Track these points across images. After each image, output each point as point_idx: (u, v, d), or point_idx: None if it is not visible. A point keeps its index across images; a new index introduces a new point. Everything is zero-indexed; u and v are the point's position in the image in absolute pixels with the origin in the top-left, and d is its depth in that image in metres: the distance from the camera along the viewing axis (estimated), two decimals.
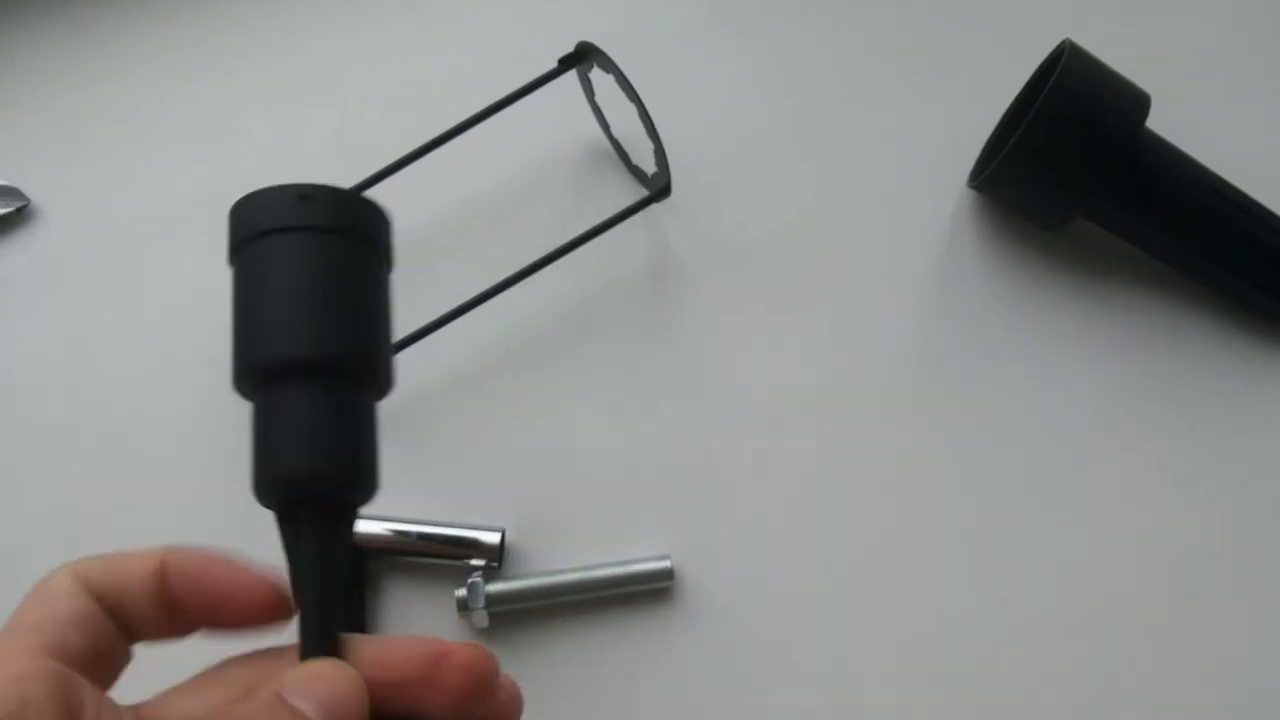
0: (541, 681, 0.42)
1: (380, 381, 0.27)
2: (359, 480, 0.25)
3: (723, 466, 0.45)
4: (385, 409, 0.40)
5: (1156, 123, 0.46)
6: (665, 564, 0.43)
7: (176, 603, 0.25)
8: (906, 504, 0.45)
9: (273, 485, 0.25)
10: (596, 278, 0.48)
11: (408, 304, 0.45)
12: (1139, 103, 0.45)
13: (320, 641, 0.25)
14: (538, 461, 0.45)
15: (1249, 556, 0.45)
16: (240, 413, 0.46)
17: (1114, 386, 0.47)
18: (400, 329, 0.43)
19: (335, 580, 0.25)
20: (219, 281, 0.46)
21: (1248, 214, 0.47)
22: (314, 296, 0.25)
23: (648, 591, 0.43)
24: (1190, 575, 0.44)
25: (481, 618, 0.41)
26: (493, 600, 0.42)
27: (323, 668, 0.24)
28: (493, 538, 0.43)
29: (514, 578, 0.42)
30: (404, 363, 0.43)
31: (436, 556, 0.43)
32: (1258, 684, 0.43)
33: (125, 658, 0.25)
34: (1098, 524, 0.45)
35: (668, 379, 0.47)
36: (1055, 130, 0.44)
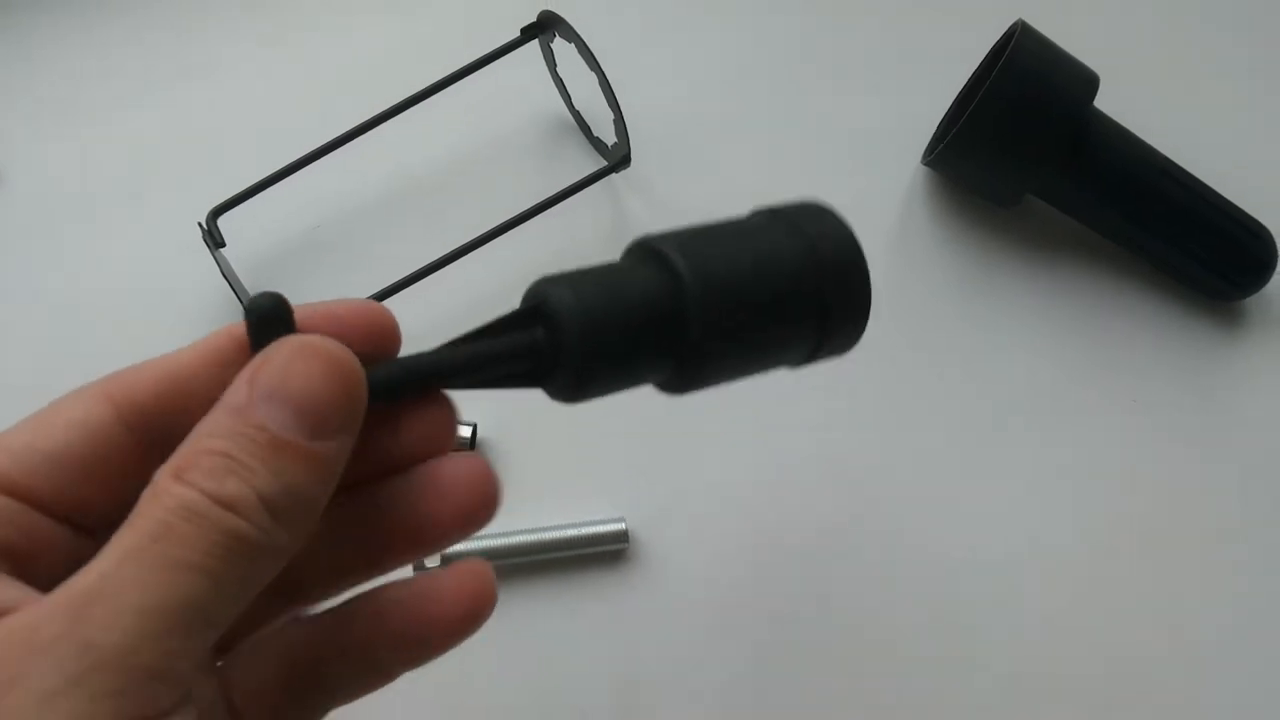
0: (496, 642, 0.43)
1: (693, 376, 0.26)
2: (591, 365, 0.24)
3: (679, 430, 0.46)
4: None
5: (1105, 102, 0.47)
6: (620, 526, 0.43)
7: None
8: (857, 471, 0.46)
9: (548, 287, 0.24)
10: (555, 246, 0.48)
11: (366, 268, 0.45)
12: (1088, 82, 0.47)
13: (383, 375, 0.22)
14: (494, 423, 0.45)
15: (1187, 523, 0.46)
16: None
17: (1060, 360, 0.48)
18: (357, 292, 0.43)
19: (469, 368, 0.23)
20: (180, 240, 0.46)
21: (1191, 192, 0.48)
22: (747, 269, 0.25)
23: (603, 553, 0.44)
24: (1132, 542, 0.46)
25: None
26: (449, 560, 0.42)
27: (290, 355, 0.20)
28: (464, 430, 0.44)
29: (469, 538, 0.43)
30: None
31: None
32: (1200, 640, 0.45)
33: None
34: (1041, 491, 0.46)
35: None
36: (1006, 108, 0.45)
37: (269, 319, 0.21)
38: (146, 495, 0.19)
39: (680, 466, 0.45)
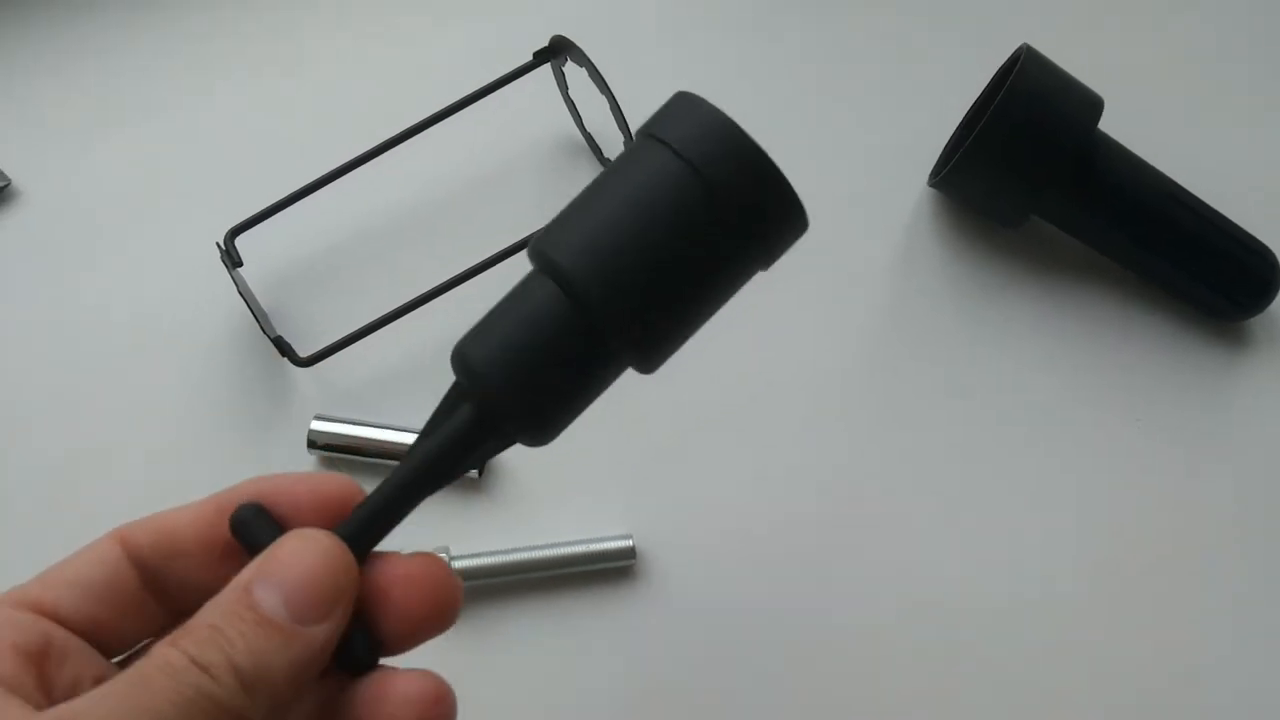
0: (505, 657, 0.44)
1: (643, 357, 0.24)
2: (529, 414, 0.23)
3: (687, 448, 0.46)
4: (348, 386, 0.41)
5: (1109, 124, 0.48)
6: (628, 543, 0.44)
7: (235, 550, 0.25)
8: (863, 488, 0.46)
9: (456, 359, 0.24)
10: None
11: (382, 286, 0.46)
12: (1092, 105, 0.47)
13: (354, 527, 0.24)
14: None
15: (1193, 540, 0.46)
16: (221, 392, 0.47)
17: (1065, 379, 0.49)
18: (369, 314, 0.44)
19: (427, 479, 0.24)
20: (197, 258, 0.47)
21: (1195, 213, 0.48)
22: (634, 231, 0.23)
23: (610, 569, 0.44)
24: (1136, 560, 0.46)
25: None
26: (458, 575, 0.43)
27: (294, 546, 0.23)
28: None
29: (479, 554, 0.43)
30: (372, 346, 0.44)
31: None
32: (1205, 662, 0.45)
33: (153, 621, 0.26)
34: (1046, 509, 0.47)
35: None
36: (1011, 131, 0.46)
37: (250, 524, 0.24)
38: (143, 655, 0.22)
39: (688, 483, 0.46)
